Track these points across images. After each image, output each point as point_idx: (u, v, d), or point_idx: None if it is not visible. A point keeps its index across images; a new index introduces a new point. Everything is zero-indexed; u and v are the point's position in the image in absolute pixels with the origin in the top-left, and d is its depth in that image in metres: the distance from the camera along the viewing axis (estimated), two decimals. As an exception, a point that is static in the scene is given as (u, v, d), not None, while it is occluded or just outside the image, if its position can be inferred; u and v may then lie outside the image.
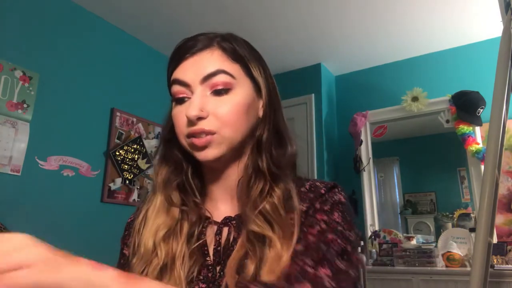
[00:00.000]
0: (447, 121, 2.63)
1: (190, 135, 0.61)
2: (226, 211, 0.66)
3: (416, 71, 2.95)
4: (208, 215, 0.66)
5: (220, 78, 0.61)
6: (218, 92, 0.61)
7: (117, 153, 2.47)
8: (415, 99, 2.74)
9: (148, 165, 2.66)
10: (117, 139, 2.49)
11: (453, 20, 2.55)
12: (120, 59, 2.62)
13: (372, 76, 3.14)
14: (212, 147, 0.60)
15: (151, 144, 2.70)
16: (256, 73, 0.66)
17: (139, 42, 2.78)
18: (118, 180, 2.45)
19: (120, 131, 2.52)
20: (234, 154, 0.64)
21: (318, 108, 3.04)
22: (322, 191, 0.62)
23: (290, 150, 0.66)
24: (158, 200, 0.65)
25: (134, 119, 2.63)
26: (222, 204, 0.67)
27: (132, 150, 2.57)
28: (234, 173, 0.66)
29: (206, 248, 0.63)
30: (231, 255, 0.59)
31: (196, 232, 0.64)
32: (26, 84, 2.03)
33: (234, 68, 0.63)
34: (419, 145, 3.25)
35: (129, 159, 2.54)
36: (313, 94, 3.07)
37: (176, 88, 0.63)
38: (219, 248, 0.62)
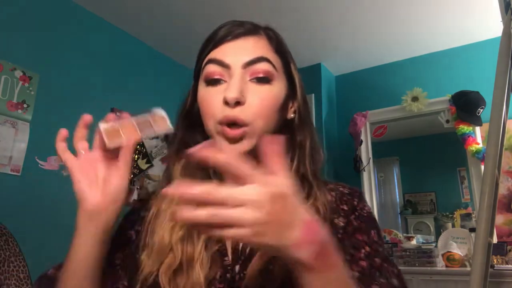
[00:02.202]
0: (447, 121, 2.63)
1: (222, 122, 0.57)
2: None
3: (416, 71, 2.94)
4: None
5: (263, 66, 0.58)
6: (259, 80, 0.58)
7: (117, 153, 2.47)
8: (415, 99, 2.74)
9: (148, 165, 2.66)
10: (117, 139, 2.49)
11: (453, 20, 2.54)
12: (120, 59, 2.62)
13: (372, 76, 3.14)
14: (244, 140, 0.57)
15: (151, 144, 2.70)
16: (294, 72, 0.64)
17: (139, 42, 2.78)
18: (118, 180, 2.45)
19: (120, 131, 2.52)
20: None
21: (318, 108, 3.04)
22: (355, 203, 0.61)
23: (319, 157, 0.65)
24: None
25: (134, 119, 2.63)
26: None
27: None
28: None
29: (224, 248, 0.59)
30: (253, 259, 0.55)
31: None
32: (26, 84, 2.03)
33: (276, 60, 0.61)
34: (419, 145, 3.26)
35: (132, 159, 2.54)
36: (313, 94, 3.06)
37: (212, 68, 0.59)
38: (237, 247, 0.59)
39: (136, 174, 2.58)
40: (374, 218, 0.62)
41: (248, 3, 2.38)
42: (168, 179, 0.63)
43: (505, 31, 1.27)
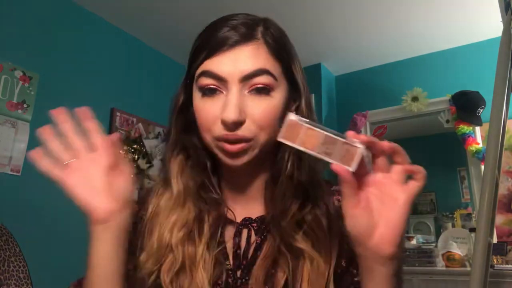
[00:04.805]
0: (447, 121, 2.63)
1: (220, 139, 0.54)
2: (243, 212, 0.62)
3: (416, 71, 2.94)
4: (229, 214, 0.61)
5: (262, 79, 0.54)
6: (258, 91, 0.54)
7: (117, 153, 2.47)
8: (415, 99, 2.74)
9: (148, 165, 2.66)
10: (117, 139, 2.49)
11: (453, 20, 2.54)
12: (120, 59, 2.62)
13: (372, 76, 3.14)
14: (245, 154, 0.55)
15: (151, 144, 2.70)
16: (296, 73, 0.61)
17: (139, 42, 2.78)
18: (118, 180, 2.45)
19: (120, 131, 2.52)
20: (263, 157, 0.58)
21: (318, 108, 3.04)
22: None
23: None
24: (174, 193, 0.59)
25: (134, 119, 2.63)
26: (239, 204, 0.62)
27: (132, 150, 2.57)
28: (261, 176, 0.62)
29: (225, 252, 0.59)
30: (257, 264, 0.56)
31: (218, 234, 0.59)
32: (26, 84, 2.03)
33: (276, 68, 0.57)
34: (419, 145, 3.25)
35: (129, 159, 2.54)
36: (313, 94, 3.06)
37: (207, 80, 0.55)
38: (238, 251, 0.58)
39: (136, 174, 2.58)
40: None
41: (248, 3, 2.38)
42: (165, 179, 0.62)
43: (505, 31, 1.27)
